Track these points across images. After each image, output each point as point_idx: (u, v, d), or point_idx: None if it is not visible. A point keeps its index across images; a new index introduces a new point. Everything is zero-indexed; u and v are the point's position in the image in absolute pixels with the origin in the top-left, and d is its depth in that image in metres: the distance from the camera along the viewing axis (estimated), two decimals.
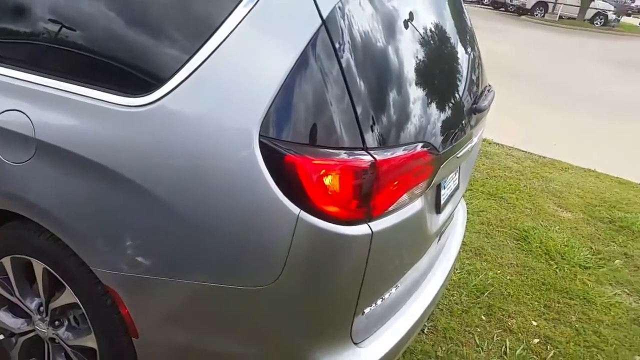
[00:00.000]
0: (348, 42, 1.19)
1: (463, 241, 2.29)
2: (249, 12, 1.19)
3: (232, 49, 1.19)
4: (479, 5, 28.09)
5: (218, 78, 1.19)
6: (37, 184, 1.37)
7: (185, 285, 1.28)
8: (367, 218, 1.23)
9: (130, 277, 1.32)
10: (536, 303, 2.70)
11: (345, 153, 1.16)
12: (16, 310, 1.67)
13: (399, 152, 1.27)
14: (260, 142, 1.15)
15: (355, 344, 1.41)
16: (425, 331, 2.37)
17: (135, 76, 1.28)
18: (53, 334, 1.59)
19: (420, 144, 1.34)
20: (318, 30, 1.16)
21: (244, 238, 1.21)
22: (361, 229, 1.22)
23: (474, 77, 1.79)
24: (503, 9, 26.47)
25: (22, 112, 1.37)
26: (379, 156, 1.20)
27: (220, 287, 1.26)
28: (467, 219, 2.60)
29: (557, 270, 3.02)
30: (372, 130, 1.21)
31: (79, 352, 1.58)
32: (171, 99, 1.22)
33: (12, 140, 1.38)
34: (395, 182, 1.26)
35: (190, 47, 1.22)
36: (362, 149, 1.18)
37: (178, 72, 1.22)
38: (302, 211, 1.16)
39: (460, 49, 1.74)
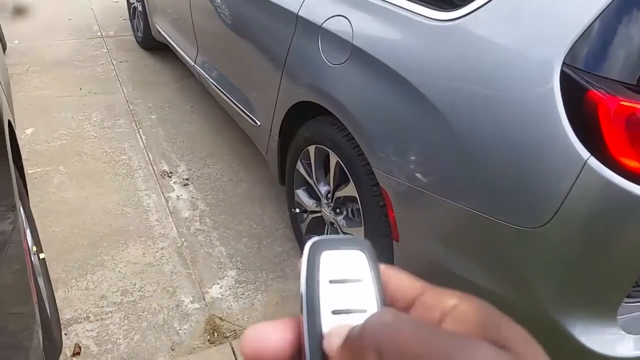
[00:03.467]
0: None
1: None
2: None
3: None
4: None
5: (526, 2, 1.10)
6: (344, 85, 1.55)
7: (453, 208, 1.30)
8: None
9: (404, 185, 1.41)
10: None
11: None
12: (311, 192, 1.99)
13: None
14: (562, 71, 1.03)
15: (625, 329, 1.22)
16: None
17: None
18: (333, 218, 1.86)
19: None
20: None
21: (520, 173, 1.15)
22: None
23: None
24: None
25: (346, 18, 1.54)
26: None
27: (484, 218, 1.23)
28: None
29: None
30: None
31: None
32: (471, 19, 1.19)
33: (333, 43, 1.59)
34: None
35: None
36: None
37: None
38: (592, 157, 1.03)
39: None
